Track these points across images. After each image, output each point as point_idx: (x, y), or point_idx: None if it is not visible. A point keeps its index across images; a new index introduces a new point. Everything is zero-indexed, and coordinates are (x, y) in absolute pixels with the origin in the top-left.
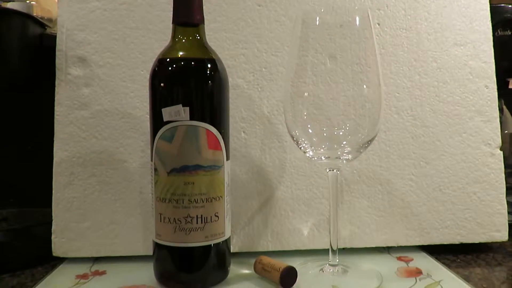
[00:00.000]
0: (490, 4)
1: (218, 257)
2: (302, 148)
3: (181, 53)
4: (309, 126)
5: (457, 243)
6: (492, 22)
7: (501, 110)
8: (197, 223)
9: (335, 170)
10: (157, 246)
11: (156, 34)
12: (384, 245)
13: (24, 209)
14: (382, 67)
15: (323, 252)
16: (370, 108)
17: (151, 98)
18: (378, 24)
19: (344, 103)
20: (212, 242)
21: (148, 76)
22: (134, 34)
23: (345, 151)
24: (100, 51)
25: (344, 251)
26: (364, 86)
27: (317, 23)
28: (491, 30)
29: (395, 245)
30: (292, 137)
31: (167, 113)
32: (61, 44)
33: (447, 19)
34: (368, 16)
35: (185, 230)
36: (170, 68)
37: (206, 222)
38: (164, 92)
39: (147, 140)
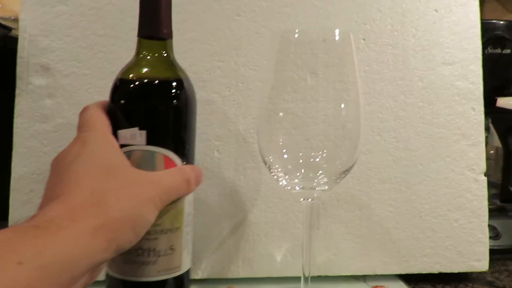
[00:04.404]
0: (481, 20)
1: None
2: (275, 176)
3: (143, 70)
4: (284, 151)
5: (436, 272)
6: (482, 38)
7: (487, 129)
8: (149, 256)
9: (309, 199)
10: (108, 276)
11: (126, 43)
12: (361, 273)
13: None
14: (366, 85)
15: (297, 279)
16: (351, 128)
17: (109, 117)
18: (363, 39)
19: (324, 122)
20: (165, 277)
21: None
22: (102, 42)
23: (321, 182)
24: (65, 59)
25: (319, 278)
26: (345, 105)
27: (299, 37)
28: (480, 49)
29: (372, 273)
30: (265, 163)
31: (122, 136)
32: (22, 51)
33: (435, 36)
34: (349, 37)
35: (135, 263)
36: (128, 88)
37: (159, 255)
38: (121, 113)
39: None
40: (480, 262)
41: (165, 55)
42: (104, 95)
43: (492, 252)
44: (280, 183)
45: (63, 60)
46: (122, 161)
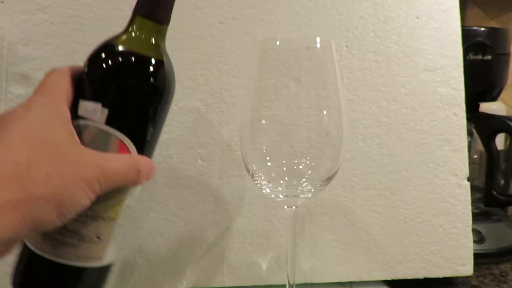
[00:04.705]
0: (462, 27)
1: (88, 284)
2: (259, 184)
3: (124, 46)
4: (268, 158)
5: (421, 277)
6: (463, 45)
7: (470, 134)
8: (71, 238)
9: (293, 207)
10: (23, 244)
11: None
12: (346, 280)
13: None
14: (349, 92)
15: (283, 287)
16: (334, 135)
17: (76, 85)
18: (346, 47)
19: (308, 129)
20: (83, 265)
21: None
22: (83, 50)
23: (305, 190)
24: (45, 68)
25: (305, 285)
26: (328, 112)
27: (282, 44)
28: (462, 56)
29: (358, 280)
30: (248, 171)
31: (83, 107)
32: (1, 60)
33: (417, 42)
34: (331, 45)
35: (54, 241)
36: (102, 59)
37: (83, 241)
38: (89, 84)
39: None
40: (465, 267)
41: (154, 38)
42: None
43: (477, 256)
44: (264, 191)
45: (43, 69)
46: (65, 135)
